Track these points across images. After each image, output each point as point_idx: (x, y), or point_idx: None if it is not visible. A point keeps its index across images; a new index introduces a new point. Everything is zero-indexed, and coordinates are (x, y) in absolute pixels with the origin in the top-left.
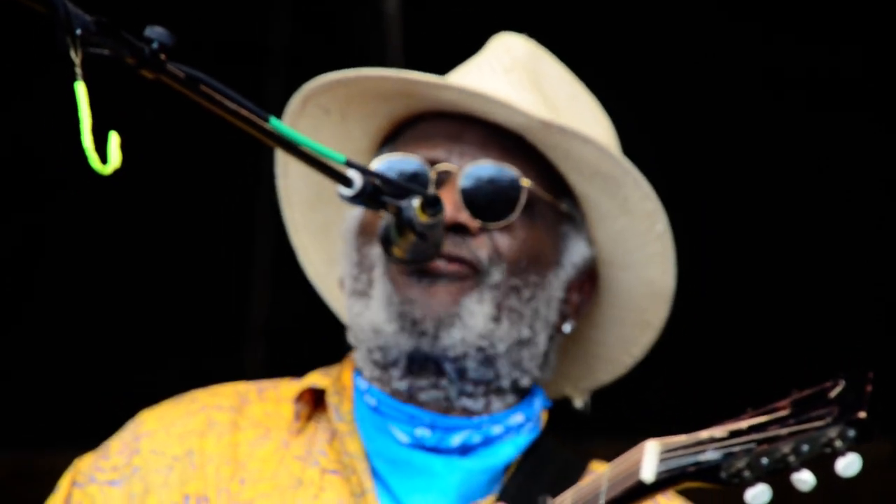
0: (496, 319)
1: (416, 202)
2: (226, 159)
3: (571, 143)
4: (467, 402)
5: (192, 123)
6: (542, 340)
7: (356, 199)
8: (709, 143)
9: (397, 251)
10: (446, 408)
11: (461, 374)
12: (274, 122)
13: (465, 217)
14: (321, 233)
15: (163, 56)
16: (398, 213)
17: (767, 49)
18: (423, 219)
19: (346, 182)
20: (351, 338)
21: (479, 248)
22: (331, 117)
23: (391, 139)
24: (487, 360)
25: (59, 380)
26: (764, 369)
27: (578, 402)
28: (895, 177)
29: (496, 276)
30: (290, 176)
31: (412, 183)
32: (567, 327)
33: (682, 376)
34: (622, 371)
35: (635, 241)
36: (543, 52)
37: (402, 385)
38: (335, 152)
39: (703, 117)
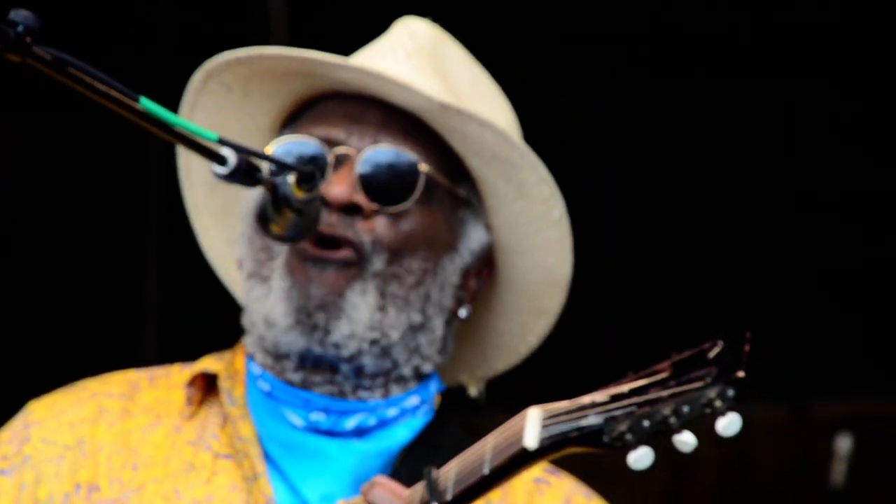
0: (381, 308)
1: (291, 178)
2: (116, 139)
3: (469, 126)
4: (364, 394)
5: (82, 105)
6: (437, 325)
7: (231, 177)
8: (607, 131)
9: (275, 228)
10: (341, 396)
11: (358, 371)
12: (144, 101)
13: (360, 198)
14: (221, 214)
15: (28, 39)
16: (274, 189)
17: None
18: (299, 195)
19: (221, 160)
20: (245, 321)
21: (365, 233)
22: (233, 94)
23: (293, 118)
24: (383, 351)
25: None
26: (644, 335)
27: (473, 391)
28: (769, 138)
29: (377, 263)
30: (190, 157)
31: (308, 164)
32: (463, 312)
33: (565, 344)
34: (517, 360)
35: (531, 227)
36: (447, 36)
37: (295, 377)
38: (207, 130)
39: (615, 68)
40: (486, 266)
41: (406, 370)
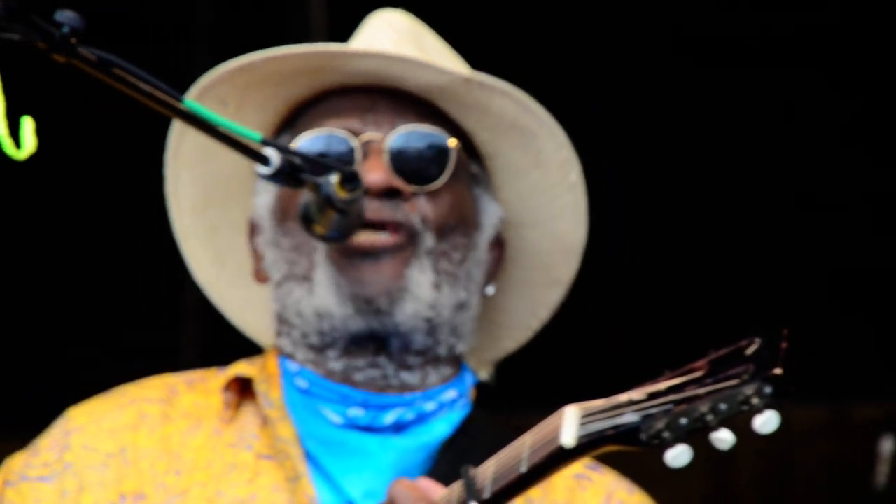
0: (437, 286)
1: (334, 178)
2: (155, 139)
3: (490, 98)
4: (405, 377)
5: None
6: (475, 303)
7: (274, 178)
8: (623, 95)
9: (318, 229)
10: (381, 386)
11: (405, 348)
12: (188, 102)
13: (397, 181)
14: (208, 235)
15: (73, 40)
16: (317, 189)
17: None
18: (342, 195)
19: (264, 161)
20: (279, 324)
21: (412, 213)
22: (228, 109)
23: (289, 124)
24: (432, 330)
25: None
26: (680, 331)
27: (483, 374)
28: (812, 133)
29: (428, 241)
30: (179, 180)
31: (337, 156)
32: (490, 290)
33: (598, 341)
34: (528, 336)
35: (547, 195)
36: (422, 25)
37: (337, 365)
38: (251, 131)
39: (617, 68)
40: (497, 243)
41: (443, 350)
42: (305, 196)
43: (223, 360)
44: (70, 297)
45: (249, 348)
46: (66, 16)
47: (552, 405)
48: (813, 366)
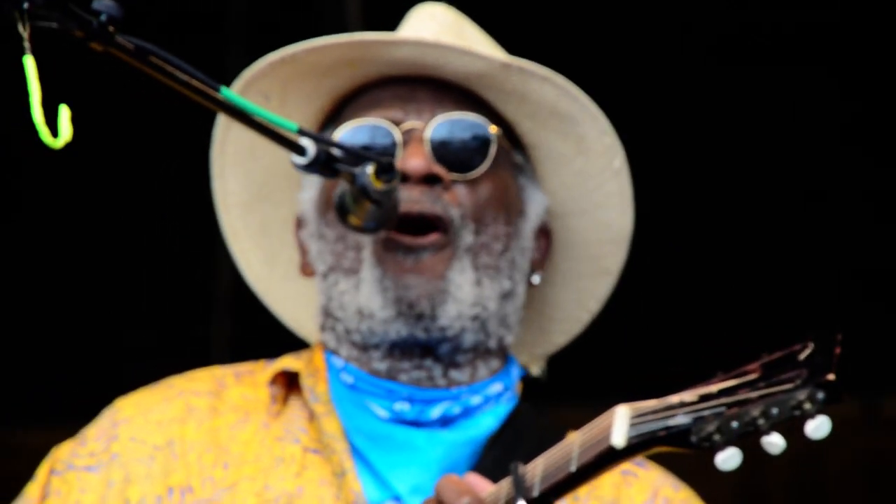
0: (478, 282)
1: (370, 168)
2: (188, 135)
3: (530, 84)
4: (454, 374)
5: (156, 98)
6: (521, 291)
7: (310, 168)
8: (668, 86)
9: (353, 219)
10: (429, 383)
11: (455, 349)
12: (225, 91)
13: (438, 169)
14: (259, 234)
15: (111, 28)
16: (352, 180)
17: None
18: (377, 185)
19: (300, 151)
20: (323, 318)
21: (451, 206)
22: (270, 103)
23: (333, 118)
24: (482, 325)
25: (25, 355)
26: (732, 332)
27: (535, 370)
28: (859, 135)
29: (467, 237)
30: (226, 178)
31: (381, 147)
32: (536, 278)
33: (650, 340)
34: (578, 329)
35: (591, 183)
36: (465, 18)
37: (381, 365)
38: (288, 121)
39: (661, 60)
40: (542, 233)
41: (493, 342)
42: (341, 187)
43: (253, 354)
44: (103, 289)
45: (279, 342)
46: (104, 4)
47: (599, 399)
48: (843, 362)
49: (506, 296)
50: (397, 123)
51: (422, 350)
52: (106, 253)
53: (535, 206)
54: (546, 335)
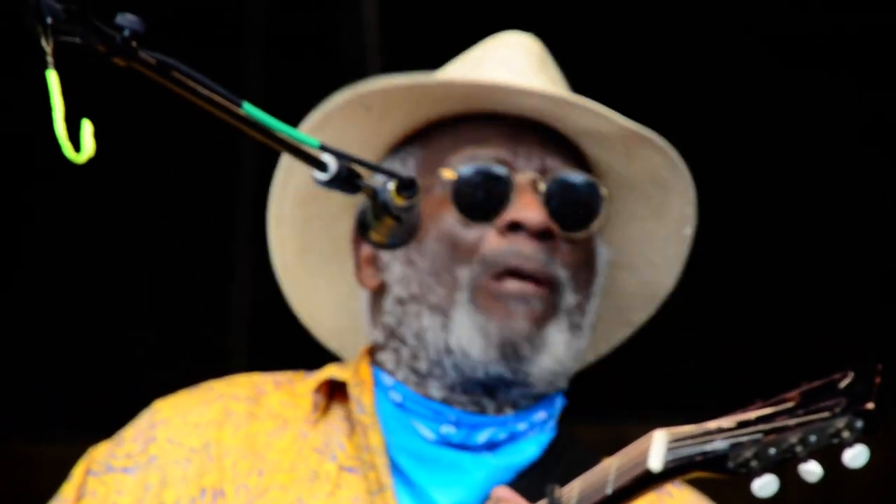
0: (568, 343)
1: (391, 185)
2: (206, 145)
3: (643, 150)
4: (506, 409)
5: (176, 106)
6: (584, 345)
7: (331, 184)
8: (709, 132)
9: (375, 236)
10: (477, 410)
11: (524, 395)
12: (247, 107)
13: (553, 225)
14: (302, 223)
15: (134, 43)
16: (374, 196)
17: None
18: (399, 202)
19: (321, 166)
20: (384, 337)
21: (560, 267)
22: (370, 114)
23: (418, 136)
24: (553, 381)
25: (41, 364)
26: (773, 361)
27: None
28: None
29: (569, 298)
30: (293, 172)
31: (496, 192)
32: None
33: (688, 365)
34: (580, 366)
35: (655, 243)
36: (544, 47)
37: (438, 394)
38: (308, 137)
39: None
40: None
41: (550, 390)
42: (362, 203)
43: (271, 365)
44: (120, 298)
45: (297, 353)
46: (127, 19)
47: (616, 419)
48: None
49: (578, 353)
50: (506, 165)
51: (485, 390)
52: (124, 263)
53: (603, 262)
54: None
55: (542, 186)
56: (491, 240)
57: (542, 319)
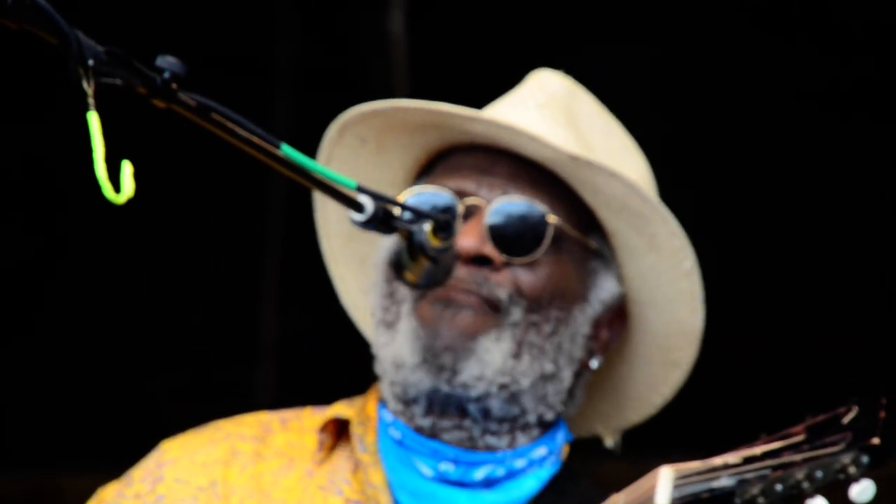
0: (516, 356)
1: (427, 226)
2: (235, 181)
3: (598, 178)
4: (491, 440)
5: (205, 145)
6: (566, 376)
7: (368, 225)
8: (738, 179)
9: (410, 276)
10: (470, 444)
11: (485, 413)
12: (285, 148)
13: (489, 250)
14: (358, 264)
15: (174, 85)
16: (410, 237)
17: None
18: (434, 243)
19: (358, 208)
20: (377, 368)
21: (500, 287)
22: (367, 147)
23: (426, 171)
24: (512, 397)
25: (70, 398)
26: (777, 395)
27: (609, 441)
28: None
29: (516, 314)
30: (327, 207)
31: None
32: (594, 363)
33: (694, 399)
34: (650, 411)
35: (663, 278)
36: (580, 88)
37: (425, 423)
38: (346, 178)
39: (735, 156)
40: (618, 317)
41: (531, 417)
42: (398, 243)
43: (297, 399)
44: (148, 333)
45: (324, 387)
46: (167, 61)
47: (636, 455)
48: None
49: (546, 377)
50: (466, 195)
51: (457, 409)
52: (154, 300)
53: (602, 293)
54: (622, 411)
55: (486, 213)
56: None
57: (473, 329)
